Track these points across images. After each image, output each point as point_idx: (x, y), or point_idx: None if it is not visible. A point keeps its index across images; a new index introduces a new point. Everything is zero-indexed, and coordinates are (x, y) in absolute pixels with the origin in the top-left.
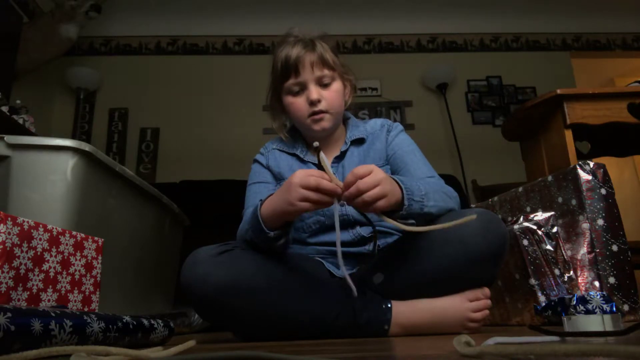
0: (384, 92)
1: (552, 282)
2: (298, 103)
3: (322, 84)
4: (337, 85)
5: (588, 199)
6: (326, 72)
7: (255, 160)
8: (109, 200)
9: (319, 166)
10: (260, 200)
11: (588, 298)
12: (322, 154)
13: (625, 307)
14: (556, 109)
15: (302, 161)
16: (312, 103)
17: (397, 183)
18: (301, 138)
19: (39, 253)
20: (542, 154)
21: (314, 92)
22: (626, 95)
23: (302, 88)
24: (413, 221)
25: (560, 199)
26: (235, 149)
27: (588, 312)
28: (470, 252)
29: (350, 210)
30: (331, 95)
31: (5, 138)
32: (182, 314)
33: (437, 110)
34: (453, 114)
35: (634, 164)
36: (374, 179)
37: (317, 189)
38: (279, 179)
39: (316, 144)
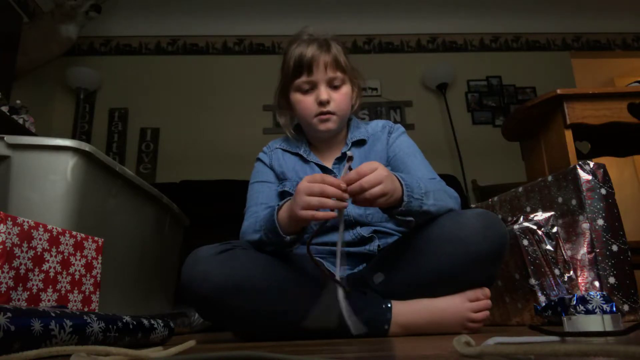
0: (384, 92)
1: (552, 282)
2: (306, 101)
3: (333, 86)
4: (346, 88)
5: (588, 199)
6: (338, 74)
7: (259, 159)
8: (109, 200)
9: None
10: (278, 204)
11: (588, 298)
12: (346, 167)
13: (625, 307)
14: (556, 109)
15: (305, 161)
16: (322, 103)
17: (399, 180)
18: (305, 137)
19: (39, 253)
20: (542, 154)
21: (324, 92)
22: (626, 95)
23: (312, 87)
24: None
25: (560, 199)
26: (235, 149)
27: (588, 312)
28: (471, 252)
29: (350, 210)
30: (340, 98)
31: (5, 138)
32: (182, 314)
33: (437, 110)
34: (453, 114)
35: (634, 164)
36: (376, 177)
37: (321, 194)
38: (282, 179)
39: (349, 153)
